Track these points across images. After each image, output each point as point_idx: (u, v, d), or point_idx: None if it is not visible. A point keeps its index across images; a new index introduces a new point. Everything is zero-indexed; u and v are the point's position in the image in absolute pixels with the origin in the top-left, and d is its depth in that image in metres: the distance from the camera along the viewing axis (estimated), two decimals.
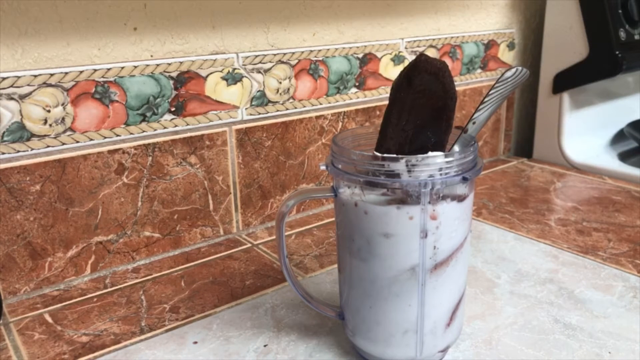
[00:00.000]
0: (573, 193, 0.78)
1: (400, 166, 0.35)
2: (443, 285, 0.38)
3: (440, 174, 0.35)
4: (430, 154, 0.36)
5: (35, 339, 0.47)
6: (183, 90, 0.59)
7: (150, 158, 0.58)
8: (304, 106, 0.69)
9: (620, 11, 0.82)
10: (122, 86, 0.56)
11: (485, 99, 0.38)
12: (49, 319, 0.50)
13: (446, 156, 0.36)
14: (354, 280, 0.40)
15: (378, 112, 0.77)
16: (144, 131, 0.58)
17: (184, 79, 0.59)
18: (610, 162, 0.88)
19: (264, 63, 0.65)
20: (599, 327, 0.46)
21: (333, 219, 0.70)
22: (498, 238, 0.64)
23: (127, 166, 0.57)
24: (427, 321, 0.39)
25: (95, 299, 0.53)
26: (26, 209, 0.52)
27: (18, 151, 0.51)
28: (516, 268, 0.56)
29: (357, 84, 0.74)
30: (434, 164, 0.35)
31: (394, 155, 0.36)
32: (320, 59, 0.69)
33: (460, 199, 0.37)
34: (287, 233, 0.67)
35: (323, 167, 0.39)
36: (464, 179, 0.36)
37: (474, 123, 0.38)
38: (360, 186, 0.37)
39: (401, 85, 0.37)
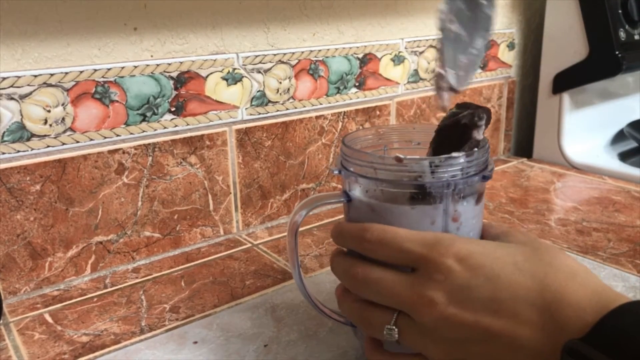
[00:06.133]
0: (573, 193, 0.78)
1: (423, 168, 0.34)
2: None
3: (462, 174, 0.35)
4: (452, 154, 0.35)
5: (36, 339, 0.47)
6: (183, 90, 0.59)
7: (150, 158, 0.58)
8: (304, 106, 0.69)
9: (620, 11, 0.82)
10: (122, 86, 0.56)
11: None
12: (49, 319, 0.50)
13: (467, 156, 0.35)
14: None
15: (378, 112, 0.77)
16: (144, 131, 0.58)
17: (184, 79, 0.59)
18: (610, 162, 0.88)
19: (264, 63, 0.65)
20: None
21: (333, 219, 0.70)
22: None
23: (127, 166, 0.57)
24: None
25: (95, 299, 0.53)
26: (26, 209, 0.52)
27: (18, 151, 0.51)
28: None
29: (357, 84, 0.74)
30: (456, 164, 0.35)
31: (417, 157, 0.35)
32: (320, 59, 0.69)
33: (477, 199, 0.37)
34: (286, 233, 0.67)
35: (336, 172, 0.38)
36: (484, 178, 0.36)
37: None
38: (381, 190, 0.36)
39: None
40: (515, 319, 0.29)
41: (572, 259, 0.32)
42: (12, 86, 0.50)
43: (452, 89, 0.37)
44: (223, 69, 0.62)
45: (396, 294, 0.32)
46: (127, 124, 0.57)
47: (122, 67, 0.55)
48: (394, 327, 0.33)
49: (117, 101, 0.56)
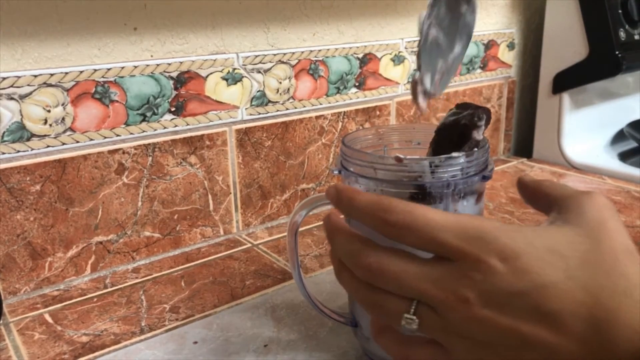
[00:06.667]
0: None
1: (423, 168, 0.34)
2: None
3: (462, 174, 0.35)
4: (452, 154, 0.35)
5: (36, 339, 0.47)
6: (183, 90, 0.59)
7: (150, 158, 0.58)
8: (304, 106, 0.69)
9: (620, 11, 0.82)
10: (122, 86, 0.56)
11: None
12: (49, 319, 0.50)
13: (467, 156, 0.35)
14: None
15: (378, 112, 0.77)
16: (144, 131, 0.58)
17: (184, 79, 0.59)
18: (610, 162, 0.88)
19: (264, 63, 0.65)
20: None
21: None
22: None
23: (127, 166, 0.57)
24: None
25: (95, 299, 0.53)
26: (26, 209, 0.52)
27: (18, 151, 0.51)
28: None
29: (357, 84, 0.74)
30: (456, 164, 0.35)
31: (417, 157, 0.35)
32: (320, 59, 0.69)
33: (477, 199, 0.37)
34: (286, 233, 0.67)
35: (336, 172, 0.38)
36: (484, 178, 0.36)
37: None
38: (381, 190, 0.36)
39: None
40: (559, 330, 0.27)
41: (637, 263, 0.28)
42: (12, 86, 0.50)
43: (428, 94, 0.36)
44: (223, 69, 0.62)
45: (420, 289, 0.29)
46: (127, 124, 0.57)
47: (122, 67, 0.55)
48: (414, 318, 0.29)
49: (117, 101, 0.56)
